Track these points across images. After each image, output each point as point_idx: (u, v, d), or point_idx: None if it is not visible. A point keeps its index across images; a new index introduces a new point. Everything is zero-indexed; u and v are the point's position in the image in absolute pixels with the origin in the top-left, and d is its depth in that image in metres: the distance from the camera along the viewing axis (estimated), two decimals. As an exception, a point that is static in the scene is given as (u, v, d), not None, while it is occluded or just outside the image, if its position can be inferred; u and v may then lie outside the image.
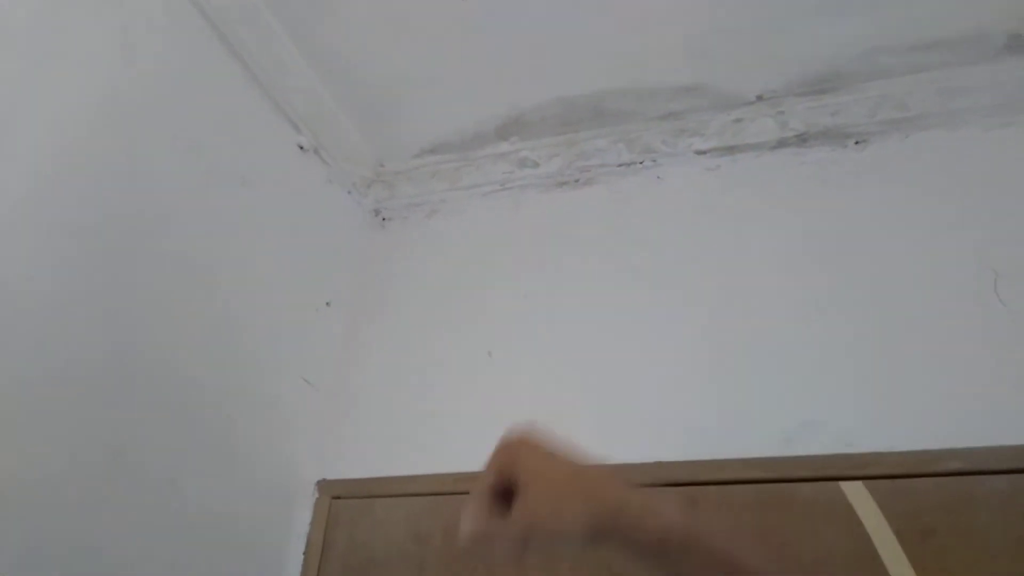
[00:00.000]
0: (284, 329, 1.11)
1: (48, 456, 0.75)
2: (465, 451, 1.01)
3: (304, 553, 1.04)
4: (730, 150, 1.13)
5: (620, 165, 1.19)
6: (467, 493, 0.97)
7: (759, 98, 1.10)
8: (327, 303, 1.21)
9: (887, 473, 0.83)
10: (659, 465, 0.91)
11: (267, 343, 1.07)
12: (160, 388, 0.88)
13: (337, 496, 1.07)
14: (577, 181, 1.21)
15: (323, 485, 1.09)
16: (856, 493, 0.83)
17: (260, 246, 1.09)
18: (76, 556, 0.76)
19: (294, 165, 1.19)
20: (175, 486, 0.87)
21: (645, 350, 1.03)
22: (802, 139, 1.09)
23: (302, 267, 1.17)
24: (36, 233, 0.77)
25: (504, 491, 0.57)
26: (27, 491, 0.72)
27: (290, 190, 1.17)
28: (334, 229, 1.27)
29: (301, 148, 1.20)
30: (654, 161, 1.17)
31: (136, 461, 0.83)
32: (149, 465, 0.85)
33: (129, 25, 0.90)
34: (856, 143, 1.06)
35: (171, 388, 0.90)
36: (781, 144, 1.10)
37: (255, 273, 1.07)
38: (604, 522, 0.54)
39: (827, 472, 0.85)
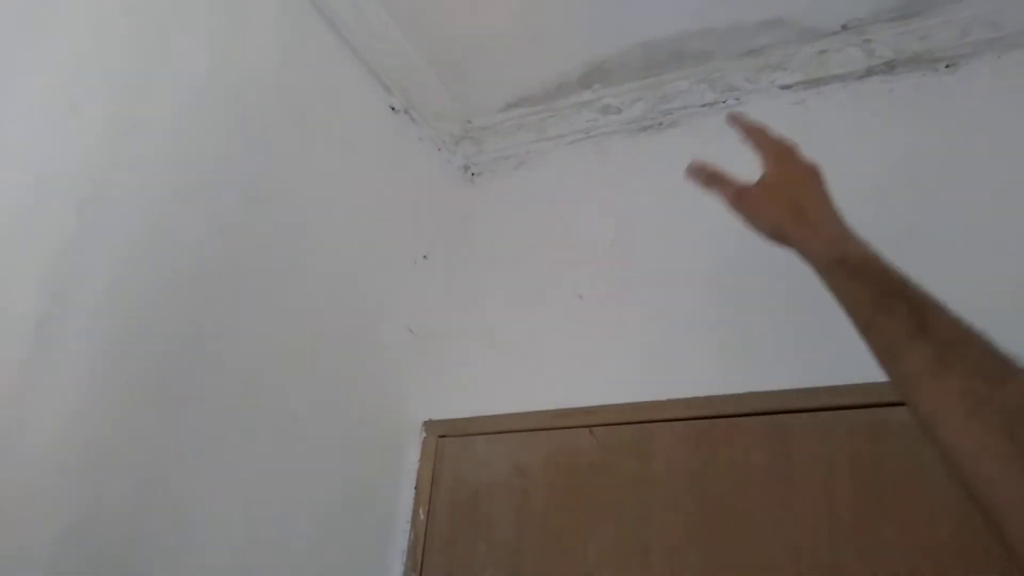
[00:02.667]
0: (386, 282, 1.18)
1: (185, 395, 0.84)
2: (559, 388, 1.08)
3: (415, 487, 1.12)
4: (815, 83, 1.12)
5: (703, 105, 1.20)
6: (564, 428, 1.02)
7: (844, 27, 1.09)
8: (424, 256, 1.27)
9: (983, 395, 0.82)
10: (752, 395, 0.93)
11: (372, 296, 1.15)
12: (279, 336, 0.96)
13: (443, 435, 1.14)
14: (660, 124, 1.23)
15: (429, 425, 1.16)
16: (951, 415, 0.83)
17: (360, 205, 1.15)
18: (211, 474, 0.85)
19: (387, 126, 1.25)
20: (298, 421, 0.95)
21: (739, 285, 1.04)
22: (890, 66, 1.07)
23: (399, 223, 1.23)
24: (161, 200, 0.85)
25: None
26: (164, 423, 0.82)
27: (384, 150, 1.23)
28: (427, 186, 1.33)
29: (393, 109, 1.26)
30: (737, 99, 1.17)
31: (265, 398, 0.92)
32: (276, 401, 0.93)
33: (240, 3, 0.97)
34: (947, 66, 1.04)
35: (288, 337, 0.98)
36: (869, 73, 1.08)
37: (357, 231, 1.14)
38: (777, 237, 0.77)
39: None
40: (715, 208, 1.11)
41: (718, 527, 0.89)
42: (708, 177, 0.86)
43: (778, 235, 0.77)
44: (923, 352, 0.60)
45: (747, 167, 1.10)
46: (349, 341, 1.08)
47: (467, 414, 1.14)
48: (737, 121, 0.89)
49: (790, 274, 1.00)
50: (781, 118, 1.12)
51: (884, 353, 0.63)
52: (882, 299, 0.66)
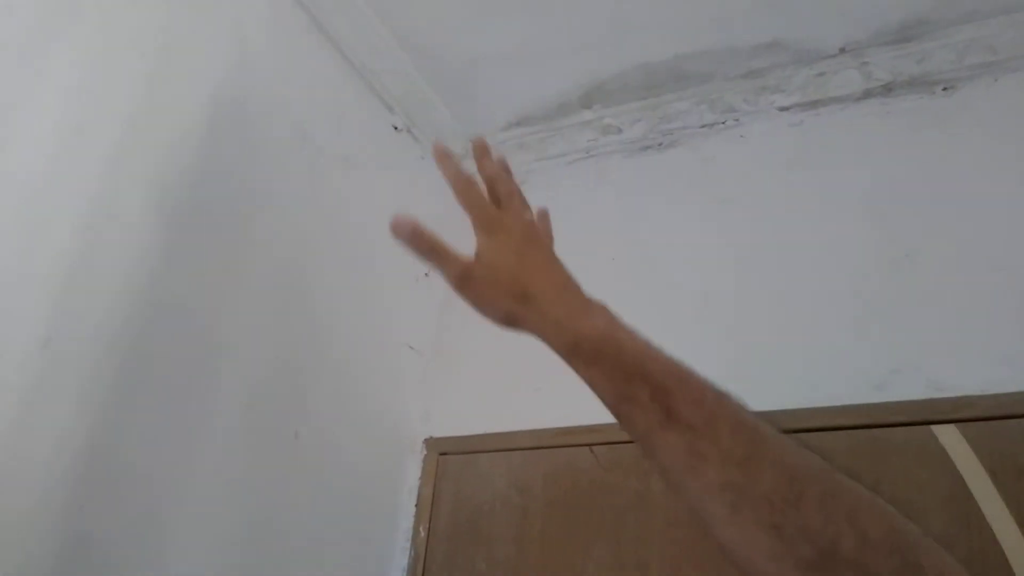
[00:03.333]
0: (388, 300, 1.19)
1: (188, 410, 0.84)
2: (559, 407, 1.08)
3: (415, 505, 1.12)
4: (813, 104, 1.13)
5: (703, 126, 1.21)
6: (564, 447, 1.03)
7: (842, 50, 1.10)
8: (426, 274, 1.28)
9: (979, 415, 0.83)
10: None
11: (374, 313, 1.15)
12: (281, 353, 0.97)
13: (444, 452, 1.14)
14: (660, 144, 1.24)
15: (430, 442, 1.16)
16: (948, 436, 0.84)
17: (362, 222, 1.16)
18: (211, 487, 0.85)
19: (389, 144, 1.26)
20: (300, 438, 0.96)
21: (734, 304, 1.05)
22: (888, 89, 1.08)
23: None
24: (167, 217, 0.86)
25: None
26: (168, 438, 0.82)
27: (387, 168, 1.24)
28: (428, 205, 1.33)
29: (395, 128, 1.27)
30: (736, 120, 1.19)
31: (267, 414, 0.92)
32: (278, 418, 0.94)
33: (241, 21, 0.98)
34: (944, 89, 1.05)
35: (290, 354, 0.98)
36: (866, 95, 1.10)
37: (359, 248, 1.15)
38: (521, 318, 0.65)
39: (919, 417, 0.86)
40: (714, 228, 1.12)
41: (717, 545, 0.89)
42: (425, 248, 0.68)
43: (510, 323, 0.68)
44: (675, 444, 0.56)
45: (748, 186, 1.12)
46: (351, 358, 1.09)
47: (468, 432, 1.14)
48: (442, 160, 0.72)
49: (792, 292, 1.01)
50: (779, 139, 1.14)
51: (640, 443, 0.59)
52: (624, 386, 0.60)
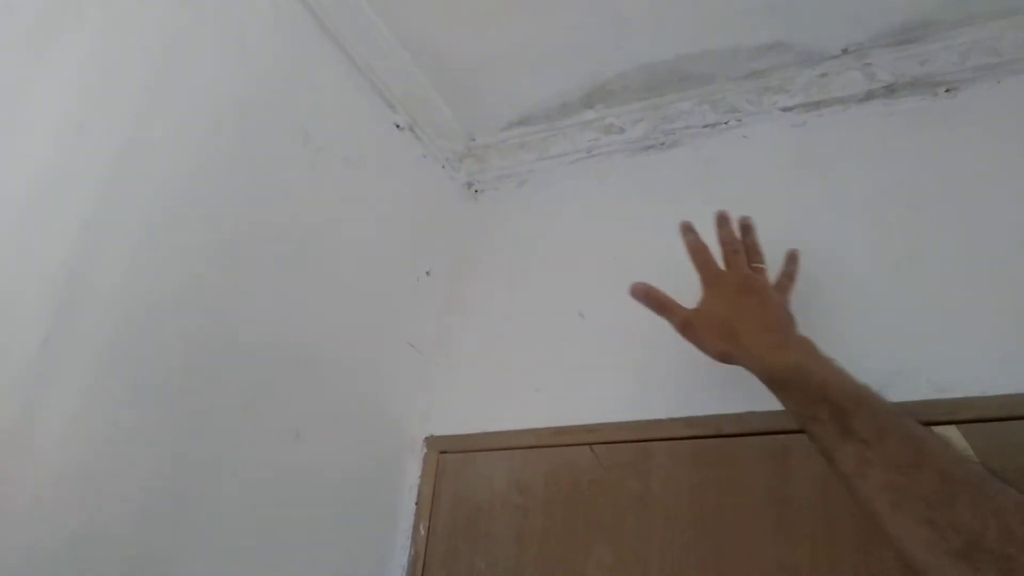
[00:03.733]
0: (389, 298, 1.19)
1: (188, 409, 0.85)
2: (560, 406, 1.09)
3: (416, 503, 1.12)
4: (816, 105, 1.13)
5: (705, 126, 1.21)
6: (564, 446, 1.03)
7: (844, 51, 1.10)
8: (427, 272, 1.28)
9: (980, 417, 0.83)
10: (751, 415, 0.94)
11: (375, 311, 1.15)
12: (281, 351, 0.97)
13: (444, 451, 1.15)
14: (663, 144, 1.24)
15: (431, 441, 1.16)
16: (950, 438, 0.83)
17: (364, 221, 1.16)
18: (211, 487, 0.85)
19: (391, 143, 1.26)
20: (299, 436, 0.96)
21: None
22: (890, 90, 1.08)
23: (402, 239, 1.24)
24: (168, 214, 0.86)
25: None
26: (167, 437, 0.82)
27: (389, 167, 1.24)
28: (430, 203, 1.34)
29: (397, 127, 1.27)
30: (739, 120, 1.19)
31: (266, 412, 0.93)
32: (277, 416, 0.94)
33: (244, 20, 0.98)
34: (947, 91, 1.05)
35: (290, 352, 0.98)
36: (869, 96, 1.10)
37: (360, 246, 1.15)
38: (732, 356, 0.84)
39: (920, 418, 0.85)
40: (711, 227, 1.12)
41: (717, 545, 0.89)
42: (656, 304, 0.92)
43: (724, 360, 0.85)
44: (848, 454, 0.68)
45: (749, 187, 1.12)
46: (351, 356, 1.09)
47: (468, 430, 1.14)
48: (684, 233, 0.98)
49: (793, 293, 1.01)
50: (782, 139, 1.14)
51: (823, 456, 0.71)
52: (808, 408, 0.74)
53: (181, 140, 0.89)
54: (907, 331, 0.92)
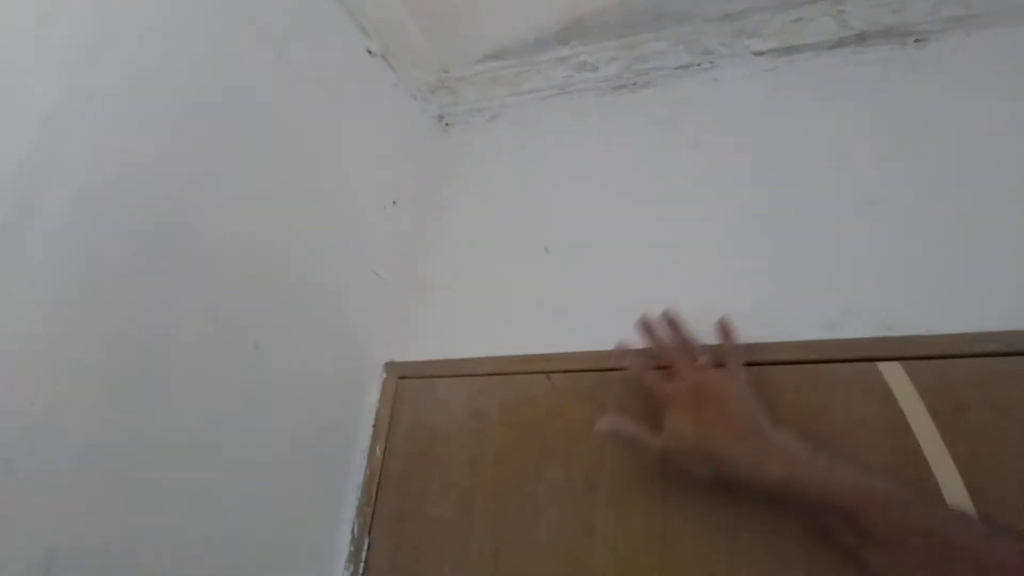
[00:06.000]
0: (355, 225, 1.19)
1: (154, 324, 0.84)
2: (519, 336, 1.10)
3: (373, 426, 1.13)
4: (788, 51, 1.14)
5: (678, 68, 1.21)
6: (522, 374, 1.04)
7: (820, -4, 1.11)
8: (394, 202, 1.28)
9: (924, 354, 0.86)
10: (705, 348, 0.96)
11: (340, 237, 1.15)
12: (243, 266, 0.96)
13: (403, 376, 1.16)
14: (635, 84, 1.24)
15: (390, 366, 1.17)
16: (893, 373, 0.86)
17: (333, 145, 1.15)
18: (168, 389, 0.86)
19: (363, 69, 1.25)
20: (259, 350, 0.96)
21: (697, 246, 1.07)
22: (861, 38, 1.09)
23: (371, 168, 1.24)
24: (134, 123, 0.85)
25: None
26: (130, 345, 0.82)
27: (359, 93, 1.23)
28: (400, 133, 1.33)
29: (370, 53, 1.26)
30: (712, 63, 1.19)
31: (226, 322, 0.92)
32: (237, 328, 0.94)
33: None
34: (916, 41, 1.06)
35: (253, 270, 0.98)
36: (840, 44, 1.11)
37: (328, 170, 1.14)
38: (724, 477, 0.80)
39: (866, 354, 0.89)
40: (684, 170, 1.13)
41: (663, 469, 0.91)
42: (624, 442, 0.90)
43: (718, 479, 0.82)
44: (876, 558, 0.68)
45: (719, 130, 1.13)
46: (315, 280, 1.09)
47: (428, 357, 1.15)
48: (622, 362, 0.96)
49: (755, 235, 1.03)
50: (753, 84, 1.15)
51: (850, 558, 0.71)
52: (817, 518, 0.73)
53: (148, 43, 0.87)
54: (862, 272, 0.94)
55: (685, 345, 0.93)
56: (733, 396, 0.83)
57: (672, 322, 0.96)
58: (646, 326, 0.96)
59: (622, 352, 0.95)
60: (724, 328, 0.92)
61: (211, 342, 0.91)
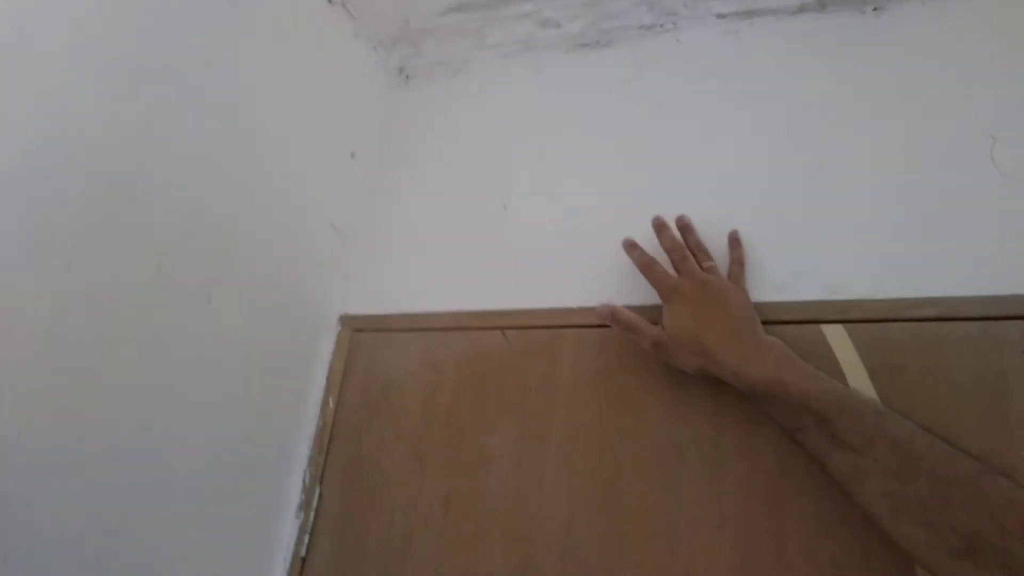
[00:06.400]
0: (312, 175, 1.18)
1: (102, 278, 0.83)
2: (476, 291, 1.11)
3: (326, 378, 1.14)
4: (749, 14, 1.14)
5: (640, 27, 1.21)
6: (477, 329, 1.05)
7: (782, -39, 1.11)
8: (352, 154, 1.26)
9: (866, 318, 0.89)
10: (656, 307, 0.97)
11: (296, 187, 1.14)
12: (196, 216, 0.95)
13: (358, 329, 1.16)
14: (598, 43, 1.24)
15: (345, 319, 1.17)
16: (835, 335, 0.89)
17: (289, 95, 1.13)
18: (119, 338, 0.85)
19: (322, 17, 1.22)
20: (212, 301, 0.95)
21: (656, 205, 1.07)
22: (822, 4, 1.10)
23: (328, 119, 1.22)
24: (82, 60, 0.83)
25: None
26: (77, 292, 0.81)
27: (318, 42, 1.21)
28: (359, 84, 1.31)
29: (329, 1, 1.23)
30: (674, 24, 1.19)
31: (178, 272, 0.92)
32: (189, 278, 0.93)
33: None
34: (874, 9, 1.07)
35: (206, 220, 0.97)
36: (801, 9, 1.11)
37: (284, 121, 1.12)
38: (708, 369, 0.84)
39: (811, 316, 0.91)
40: (643, 129, 1.14)
41: (614, 424, 0.94)
42: (623, 326, 0.91)
43: (700, 372, 0.86)
44: (841, 462, 0.72)
45: (679, 91, 1.13)
46: (269, 231, 1.08)
47: (384, 311, 1.16)
48: (629, 251, 0.97)
49: (710, 196, 1.05)
50: (714, 46, 1.16)
51: (817, 462, 0.76)
52: (793, 420, 0.77)
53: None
54: (809, 236, 0.97)
55: (693, 249, 0.96)
56: (734, 300, 0.87)
57: (685, 227, 0.98)
58: (660, 224, 0.98)
59: (630, 241, 0.98)
60: (733, 239, 0.97)
61: (162, 294, 0.90)
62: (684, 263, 0.92)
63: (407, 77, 1.37)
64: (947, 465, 0.67)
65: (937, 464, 0.67)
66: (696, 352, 0.84)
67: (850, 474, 0.71)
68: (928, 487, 0.65)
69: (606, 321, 0.92)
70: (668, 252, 0.95)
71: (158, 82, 0.91)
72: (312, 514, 1.06)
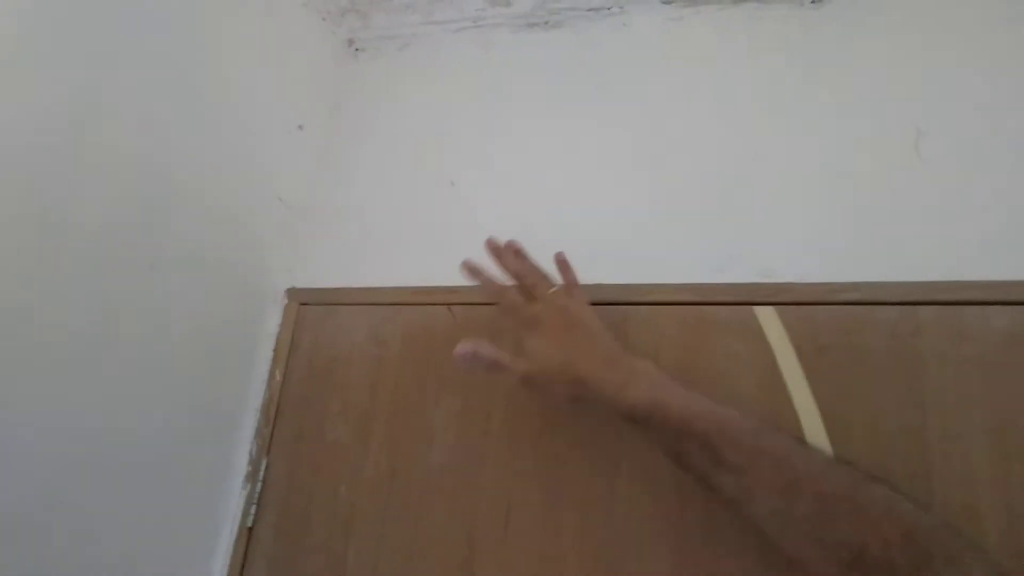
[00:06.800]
0: (258, 148, 1.17)
1: (38, 243, 0.82)
2: (423, 267, 1.13)
3: (273, 351, 1.14)
4: (694, 2, 1.17)
5: (589, 10, 1.23)
6: (424, 304, 1.07)
7: (727, -50, 1.14)
8: (300, 127, 1.26)
9: (795, 300, 0.94)
10: (599, 286, 1.01)
11: (242, 159, 1.13)
12: (138, 187, 0.94)
13: (305, 303, 1.17)
14: (547, 23, 1.25)
15: (292, 292, 1.18)
16: (766, 316, 0.94)
17: (235, 65, 1.12)
18: (68, 318, 0.85)
19: (270, -13, 1.21)
20: (155, 269, 0.95)
21: (598, 185, 1.11)
22: (763, -5, 1.14)
23: (276, 90, 1.21)
24: (25, 33, 0.81)
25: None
26: (18, 262, 0.80)
27: (265, 12, 1.19)
28: (307, 56, 1.30)
29: (278, -29, 1.22)
30: (621, 8, 1.21)
31: (120, 243, 0.91)
32: (132, 248, 0.93)
33: None
34: (812, 2, 1.11)
35: (149, 190, 0.96)
36: (743, -1, 1.15)
37: (231, 91, 1.11)
38: (584, 397, 0.80)
39: (744, 298, 0.96)
40: (588, 112, 1.16)
41: (524, 390, 0.96)
42: (486, 364, 0.86)
43: (575, 404, 0.83)
44: (727, 483, 0.71)
45: (624, 74, 1.16)
46: (215, 202, 1.07)
47: (331, 285, 1.17)
48: (473, 276, 0.93)
49: (650, 181, 1.08)
50: (659, 32, 1.18)
51: (701, 484, 0.74)
52: (675, 443, 0.75)
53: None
54: (745, 222, 1.01)
55: (540, 272, 0.92)
56: (596, 324, 0.85)
57: (518, 252, 0.93)
58: (497, 250, 0.93)
59: (471, 266, 0.93)
60: (562, 263, 0.93)
61: (105, 266, 0.89)
62: (536, 288, 0.89)
63: (356, 50, 1.37)
64: (825, 480, 0.68)
65: (816, 479, 0.68)
66: (570, 382, 0.80)
67: (737, 494, 0.70)
68: (812, 505, 0.66)
69: (466, 361, 0.85)
70: (517, 277, 0.90)
71: (98, 50, 0.90)
72: (259, 485, 1.07)
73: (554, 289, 0.91)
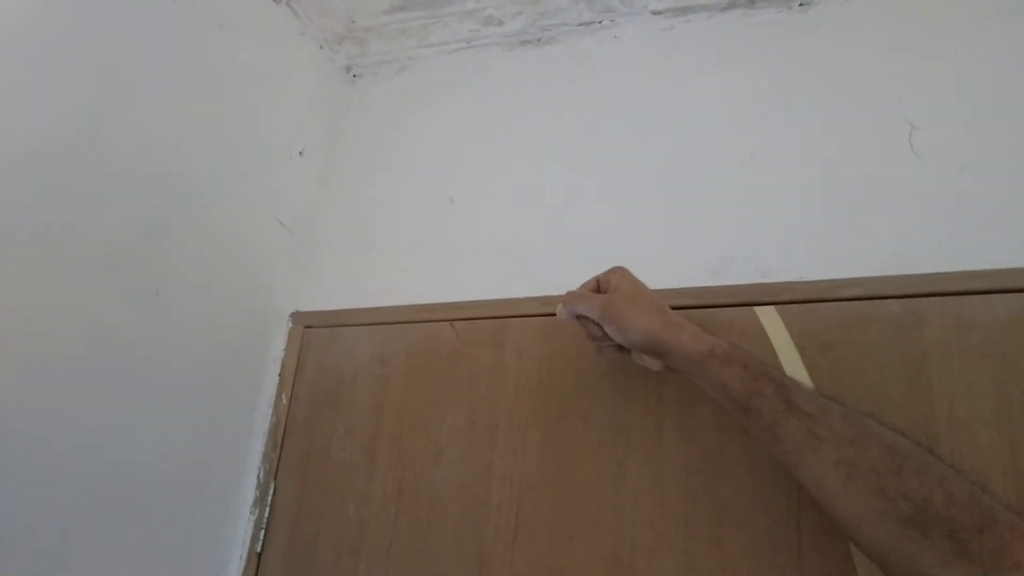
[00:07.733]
0: (260, 174, 1.19)
1: (46, 270, 0.83)
2: (425, 285, 1.13)
3: (279, 375, 1.15)
4: (683, 11, 1.18)
5: (580, 24, 1.24)
6: (427, 322, 1.07)
7: (714, -42, 1.15)
8: (300, 152, 1.28)
9: (796, 299, 0.93)
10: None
11: (245, 185, 1.15)
12: (144, 214, 0.96)
13: (309, 325, 1.17)
14: (539, 40, 1.27)
15: (296, 316, 1.19)
16: (767, 316, 0.93)
17: (236, 93, 1.14)
18: (75, 345, 0.85)
19: (268, 16, 1.23)
20: (160, 296, 0.96)
21: (595, 196, 1.11)
22: (751, 1, 1.14)
23: (276, 117, 1.23)
24: (26, 61, 0.83)
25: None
26: (25, 288, 0.81)
27: (264, 40, 1.22)
28: (306, 83, 1.32)
29: (275, 0, 1.24)
30: (612, 21, 1.22)
31: (126, 269, 0.92)
32: (137, 274, 0.94)
33: None
34: (800, 5, 1.12)
35: (155, 218, 0.97)
36: (731, 5, 1.15)
37: (232, 119, 1.13)
38: (650, 340, 0.81)
39: (744, 299, 0.95)
40: (583, 125, 1.17)
41: (558, 409, 0.97)
42: (575, 299, 0.87)
43: (651, 340, 0.81)
44: (796, 429, 0.70)
45: (618, 86, 1.17)
46: (218, 227, 1.09)
47: (334, 307, 1.17)
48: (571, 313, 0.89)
49: (646, 187, 1.08)
50: (650, 42, 1.19)
51: (764, 434, 0.73)
52: (752, 383, 0.75)
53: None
54: (742, 223, 1.01)
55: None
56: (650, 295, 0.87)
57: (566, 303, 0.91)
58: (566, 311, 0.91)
59: (568, 307, 0.90)
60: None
61: (109, 288, 0.91)
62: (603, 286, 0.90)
63: (354, 75, 1.39)
64: (891, 435, 0.67)
65: (885, 435, 0.67)
66: (655, 313, 0.82)
67: (805, 440, 0.69)
68: (881, 454, 0.65)
69: (570, 318, 0.88)
70: (588, 313, 0.88)
71: (102, 81, 0.92)
72: (267, 509, 1.07)
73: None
